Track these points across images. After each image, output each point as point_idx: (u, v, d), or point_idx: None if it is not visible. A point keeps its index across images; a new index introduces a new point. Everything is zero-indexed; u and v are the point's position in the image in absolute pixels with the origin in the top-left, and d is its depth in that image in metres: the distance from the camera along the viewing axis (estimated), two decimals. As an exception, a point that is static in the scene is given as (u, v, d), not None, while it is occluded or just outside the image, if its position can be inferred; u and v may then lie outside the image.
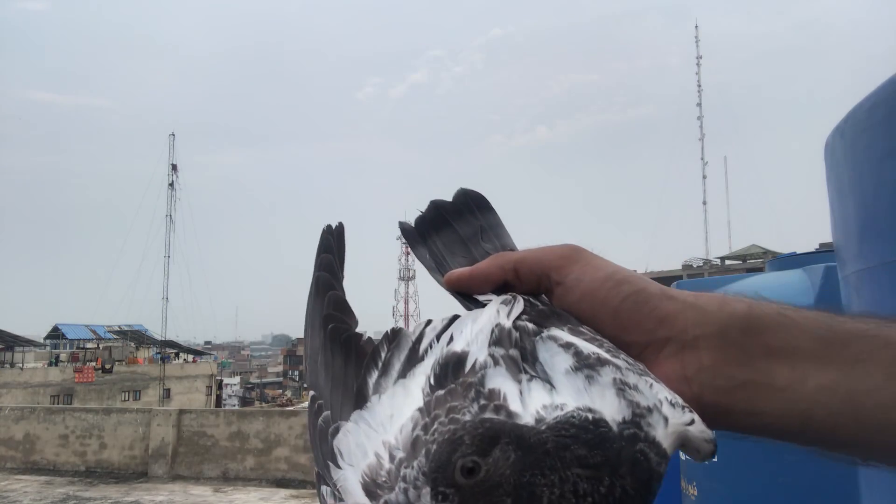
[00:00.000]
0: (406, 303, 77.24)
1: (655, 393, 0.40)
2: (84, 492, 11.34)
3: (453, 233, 0.59)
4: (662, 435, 0.38)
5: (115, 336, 45.92)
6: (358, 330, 0.52)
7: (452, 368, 0.43)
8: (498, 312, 0.47)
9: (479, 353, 0.43)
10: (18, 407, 14.86)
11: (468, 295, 0.54)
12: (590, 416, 0.37)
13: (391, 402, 0.44)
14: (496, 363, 0.42)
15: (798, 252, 3.41)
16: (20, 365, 34.19)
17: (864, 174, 1.46)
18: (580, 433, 0.36)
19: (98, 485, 11.96)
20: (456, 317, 0.50)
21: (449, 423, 0.39)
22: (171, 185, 46.29)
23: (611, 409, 0.38)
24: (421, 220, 0.61)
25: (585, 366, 0.41)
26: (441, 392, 0.42)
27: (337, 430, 0.45)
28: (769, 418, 0.43)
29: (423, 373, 0.45)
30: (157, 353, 43.46)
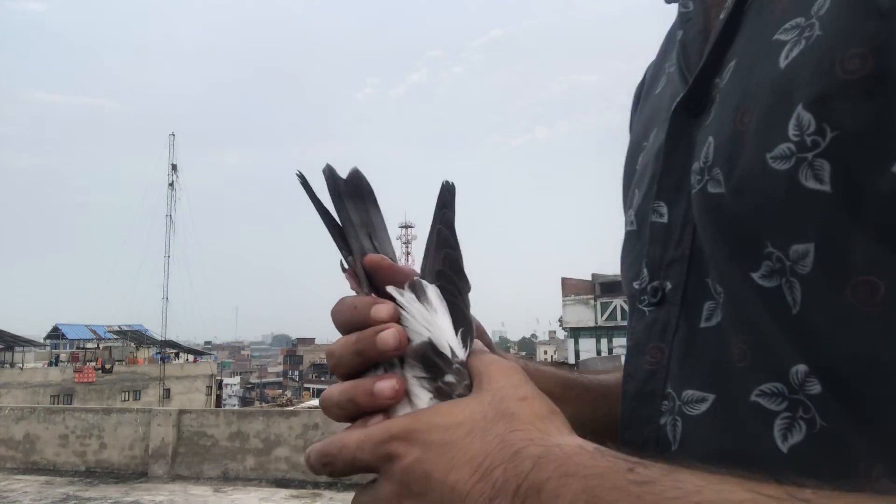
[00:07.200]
0: (406, 303, 77.03)
1: None
2: (84, 492, 11.34)
3: (346, 212, 0.53)
4: None
5: (115, 336, 45.92)
6: (467, 296, 0.50)
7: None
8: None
9: None
10: (18, 407, 14.86)
11: (373, 284, 0.50)
12: None
13: None
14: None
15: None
16: (20, 365, 34.24)
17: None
18: None
19: (98, 485, 11.95)
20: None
21: None
22: (171, 185, 46.29)
23: None
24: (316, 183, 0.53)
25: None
26: None
27: None
28: None
29: None
30: (157, 353, 43.46)
